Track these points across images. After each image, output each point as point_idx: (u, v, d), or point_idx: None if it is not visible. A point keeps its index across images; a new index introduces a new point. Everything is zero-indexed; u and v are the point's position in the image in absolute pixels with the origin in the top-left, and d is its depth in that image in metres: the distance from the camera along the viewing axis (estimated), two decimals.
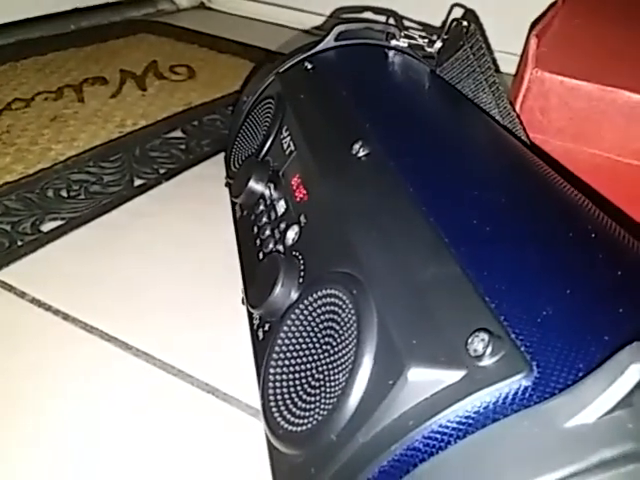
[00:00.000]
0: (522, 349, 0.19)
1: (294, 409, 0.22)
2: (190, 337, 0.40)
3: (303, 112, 0.37)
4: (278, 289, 0.26)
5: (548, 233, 0.25)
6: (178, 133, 0.64)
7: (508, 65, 0.56)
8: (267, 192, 0.34)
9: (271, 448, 0.24)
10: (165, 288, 0.43)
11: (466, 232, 0.24)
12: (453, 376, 0.18)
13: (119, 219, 0.50)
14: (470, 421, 0.18)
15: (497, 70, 0.41)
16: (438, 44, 0.44)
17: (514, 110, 0.42)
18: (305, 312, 0.24)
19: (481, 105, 0.41)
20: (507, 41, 0.63)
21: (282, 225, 0.31)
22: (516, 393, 0.18)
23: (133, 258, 0.46)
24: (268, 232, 0.33)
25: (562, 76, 0.43)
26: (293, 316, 0.25)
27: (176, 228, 0.50)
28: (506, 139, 0.36)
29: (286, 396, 0.23)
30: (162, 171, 0.57)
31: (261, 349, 0.28)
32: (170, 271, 0.45)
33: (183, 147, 0.62)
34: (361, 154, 0.30)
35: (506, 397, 0.18)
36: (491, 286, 0.21)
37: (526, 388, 0.18)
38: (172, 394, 0.36)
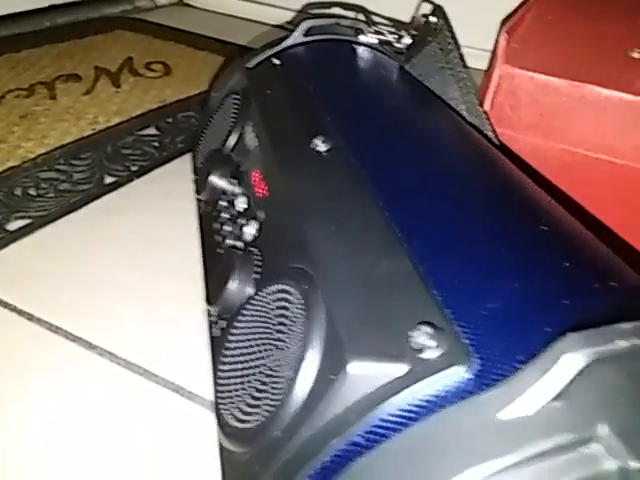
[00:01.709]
0: (465, 342, 0.19)
1: (243, 406, 0.22)
2: (156, 336, 0.39)
3: (268, 108, 0.37)
4: (232, 285, 0.26)
5: (502, 228, 0.25)
6: (152, 130, 0.63)
7: (479, 61, 0.56)
8: (229, 188, 0.34)
9: (221, 447, 0.24)
10: (132, 286, 0.43)
11: (420, 226, 0.24)
12: (395, 369, 0.18)
13: (87, 217, 0.50)
14: (411, 414, 0.18)
15: (466, 66, 0.41)
16: (407, 40, 0.44)
17: (481, 106, 0.42)
18: (257, 308, 0.24)
19: (449, 101, 0.41)
20: (478, 37, 0.63)
21: (242, 221, 0.31)
22: (457, 385, 0.18)
23: (100, 256, 0.46)
24: (229, 228, 0.32)
25: (532, 72, 0.43)
26: (246, 312, 0.25)
27: (145, 225, 0.49)
28: (470, 135, 0.36)
29: (236, 393, 0.23)
30: (134, 168, 0.56)
31: (217, 346, 0.28)
32: (138, 269, 0.44)
33: (156, 144, 0.61)
34: (322, 149, 0.30)
35: (447, 389, 0.18)
36: (440, 280, 0.21)
37: (467, 380, 0.18)
38: (137, 393, 0.35)
